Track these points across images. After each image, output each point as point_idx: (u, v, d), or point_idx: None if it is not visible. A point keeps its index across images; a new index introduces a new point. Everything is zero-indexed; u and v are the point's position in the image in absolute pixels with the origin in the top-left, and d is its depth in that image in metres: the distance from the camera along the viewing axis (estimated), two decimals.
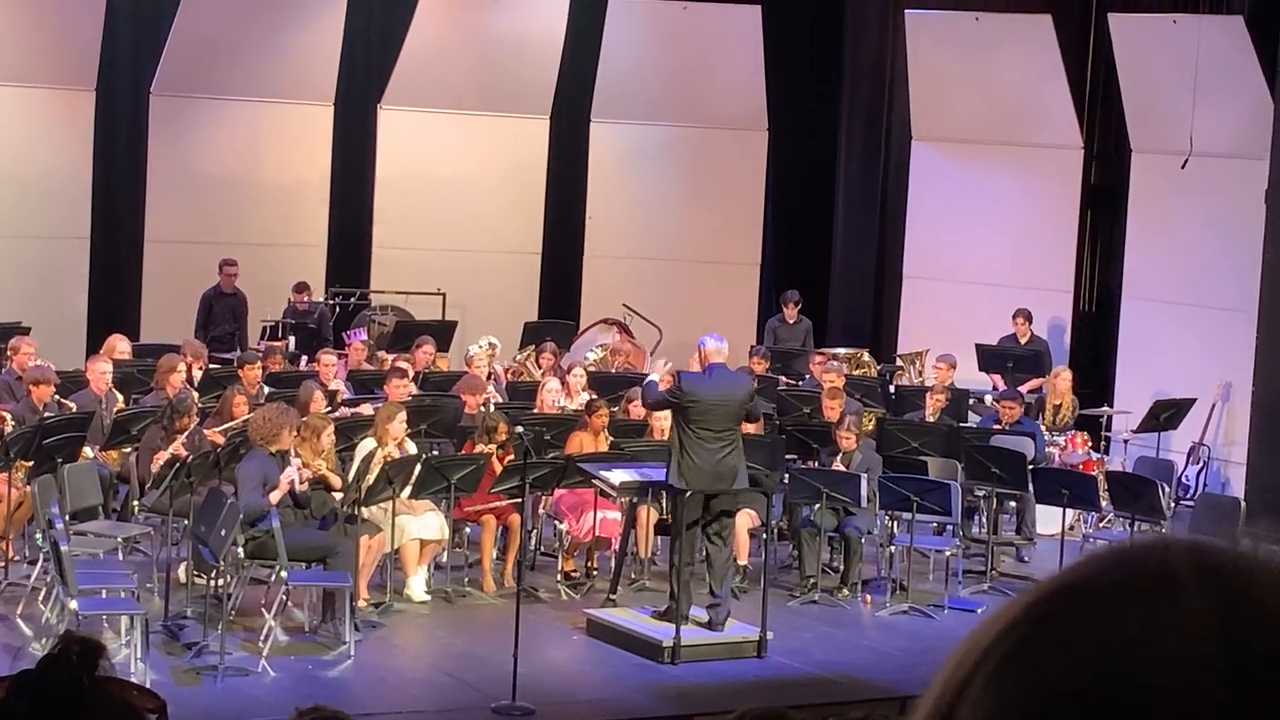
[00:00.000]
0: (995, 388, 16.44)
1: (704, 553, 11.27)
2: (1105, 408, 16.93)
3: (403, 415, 11.96)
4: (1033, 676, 0.99)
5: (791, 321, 18.15)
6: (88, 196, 17.48)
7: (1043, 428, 14.82)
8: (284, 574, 10.59)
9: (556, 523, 12.82)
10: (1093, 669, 0.98)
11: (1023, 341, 16.95)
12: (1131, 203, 17.57)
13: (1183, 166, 16.35)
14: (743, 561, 12.66)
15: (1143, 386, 16.63)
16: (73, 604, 9.65)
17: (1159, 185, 17.13)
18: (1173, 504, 14.13)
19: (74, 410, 12.39)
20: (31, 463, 11.49)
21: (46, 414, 12.22)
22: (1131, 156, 17.52)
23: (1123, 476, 13.64)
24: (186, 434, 11.97)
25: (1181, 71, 16.42)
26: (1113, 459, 15.90)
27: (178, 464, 11.02)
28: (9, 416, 12.09)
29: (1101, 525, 14.37)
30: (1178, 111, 16.52)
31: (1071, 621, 1.00)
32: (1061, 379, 15.58)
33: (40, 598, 10.81)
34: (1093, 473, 13.85)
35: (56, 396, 12.61)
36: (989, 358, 16.83)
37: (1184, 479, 15.97)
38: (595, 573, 12.66)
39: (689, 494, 10.88)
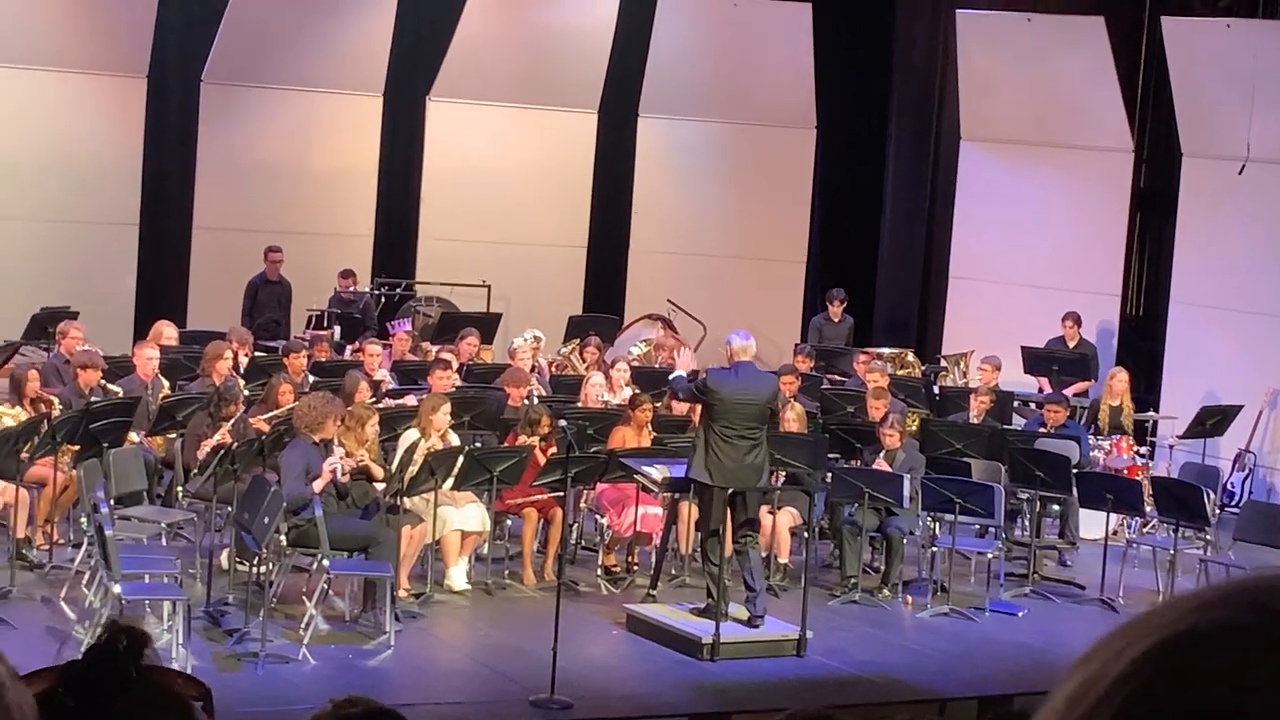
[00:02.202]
0: (1040, 390, 16.37)
1: (734, 554, 11.23)
2: (1151, 413, 16.84)
3: (446, 406, 11.98)
4: None
5: (836, 320, 18.13)
6: (137, 183, 17.57)
7: (1092, 433, 14.73)
8: (326, 563, 10.62)
9: (598, 517, 12.82)
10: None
11: (1071, 345, 16.86)
12: (1181, 207, 17.46)
13: (1240, 172, 16.25)
14: (783, 560, 12.65)
15: (1189, 392, 16.53)
16: (116, 588, 9.69)
17: (1209, 190, 17.02)
18: (1217, 511, 14.04)
19: (120, 395, 12.46)
20: (78, 447, 11.56)
21: (93, 398, 12.29)
22: (1182, 161, 17.41)
23: (1168, 482, 13.55)
24: (232, 421, 12.02)
25: (1234, 76, 16.31)
26: (1158, 464, 15.81)
27: (222, 451, 11.07)
28: (56, 400, 12.16)
29: (1145, 531, 14.29)
30: (1229, 116, 16.41)
31: (1198, 669, 0.97)
32: (1118, 380, 15.43)
33: (84, 581, 10.86)
34: (1137, 478, 13.76)
35: (103, 381, 12.68)
36: (1034, 360, 16.76)
37: (1229, 485, 15.87)
38: (636, 568, 12.66)
39: (729, 491, 10.86)
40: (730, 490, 10.90)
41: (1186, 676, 0.97)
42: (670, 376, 12.26)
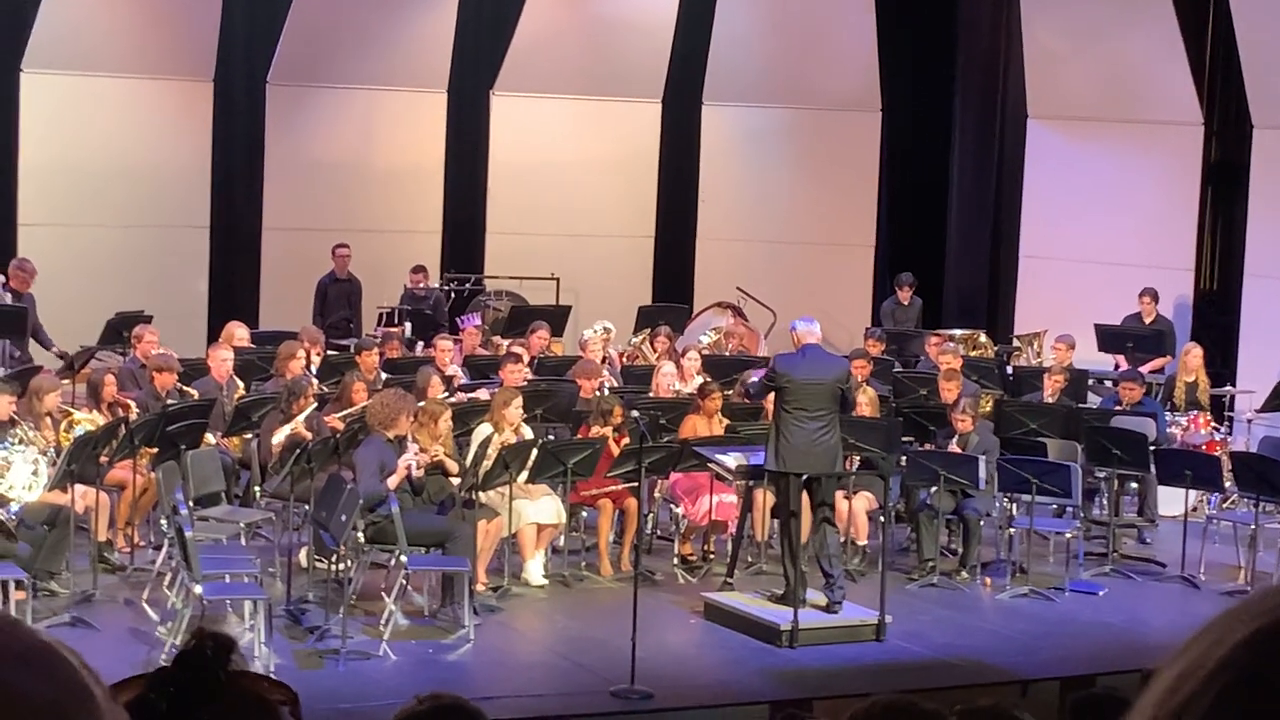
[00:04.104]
0: (1116, 368, 16.24)
1: (810, 540, 11.21)
2: (1229, 387, 16.68)
3: (519, 400, 12.01)
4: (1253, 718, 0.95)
5: (906, 304, 18.06)
6: (207, 186, 17.73)
7: (1168, 410, 14.60)
8: (403, 559, 10.66)
9: (673, 506, 12.82)
10: None
11: (1148, 321, 16.72)
12: (1253, 179, 17.29)
13: None
14: (861, 543, 12.62)
15: (1267, 365, 16.35)
16: (197, 589, 9.77)
17: None
18: None
19: (196, 397, 12.56)
20: (156, 449, 11.66)
21: (169, 401, 12.39)
22: (1253, 132, 17.23)
23: (1247, 457, 13.41)
24: (306, 414, 12.11)
25: None
26: (1236, 439, 15.66)
27: (298, 449, 11.14)
28: (133, 404, 12.28)
29: (1225, 506, 14.16)
30: None
31: None
32: (1193, 356, 15.31)
33: (165, 583, 10.96)
34: (1216, 453, 13.65)
35: (179, 384, 12.79)
36: (1109, 338, 16.62)
37: None
38: (712, 556, 12.66)
39: (802, 477, 10.85)
40: (805, 476, 10.90)
41: None
42: (746, 383, 12.33)
